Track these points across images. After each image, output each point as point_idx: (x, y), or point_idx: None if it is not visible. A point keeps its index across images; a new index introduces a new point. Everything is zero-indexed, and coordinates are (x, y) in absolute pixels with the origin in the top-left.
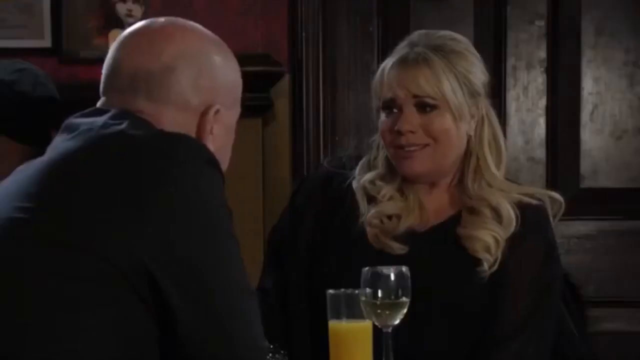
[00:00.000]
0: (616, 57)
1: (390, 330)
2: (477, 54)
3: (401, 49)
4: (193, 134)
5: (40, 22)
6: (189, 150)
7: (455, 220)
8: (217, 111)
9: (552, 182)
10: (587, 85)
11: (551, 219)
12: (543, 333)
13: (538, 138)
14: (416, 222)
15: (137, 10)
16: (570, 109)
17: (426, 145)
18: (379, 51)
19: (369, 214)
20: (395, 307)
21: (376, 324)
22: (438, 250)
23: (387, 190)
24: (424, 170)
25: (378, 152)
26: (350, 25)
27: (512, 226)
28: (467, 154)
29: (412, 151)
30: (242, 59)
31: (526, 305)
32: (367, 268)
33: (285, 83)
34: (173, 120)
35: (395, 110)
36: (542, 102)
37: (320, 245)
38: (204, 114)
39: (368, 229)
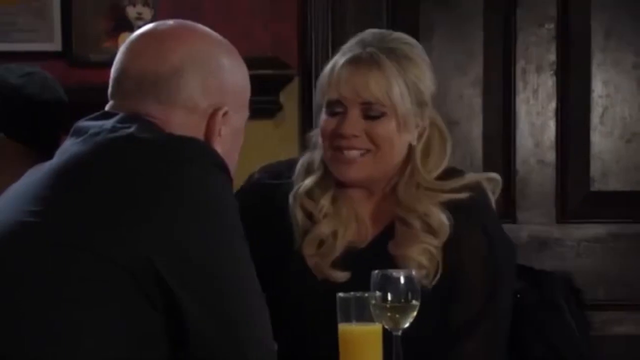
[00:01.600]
0: (626, 59)
1: (400, 333)
2: (429, 61)
3: (352, 47)
4: (201, 136)
5: (50, 25)
6: (197, 153)
7: (389, 233)
8: (225, 113)
9: (562, 185)
10: (597, 87)
11: (491, 200)
12: (498, 325)
13: (548, 141)
14: (354, 237)
15: (147, 13)
16: (580, 112)
17: (367, 151)
18: None
19: (303, 244)
20: (405, 310)
21: (386, 327)
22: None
23: (323, 202)
24: (361, 177)
25: (319, 149)
26: (359, 28)
27: (446, 233)
28: (406, 162)
29: (352, 157)
30: (251, 62)
31: (477, 303)
32: (376, 271)
33: (294, 86)
34: (181, 122)
35: (339, 111)
36: (552, 105)
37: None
38: (212, 116)
39: (307, 257)
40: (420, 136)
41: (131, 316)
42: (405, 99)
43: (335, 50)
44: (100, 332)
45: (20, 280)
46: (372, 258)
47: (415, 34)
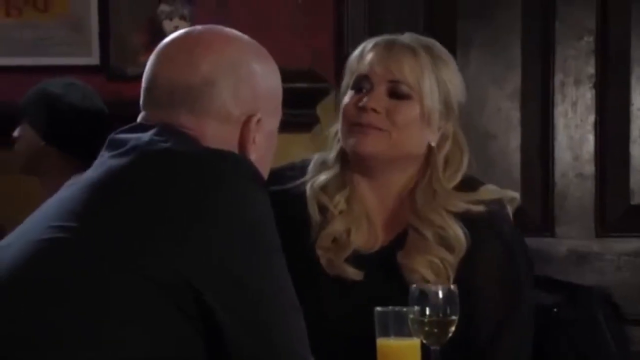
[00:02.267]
0: None
1: (438, 348)
2: (461, 77)
3: (387, 36)
4: (235, 145)
5: (88, 39)
6: (233, 168)
7: (401, 241)
8: (259, 120)
9: (601, 199)
10: (637, 100)
11: (510, 215)
12: (520, 335)
13: (587, 154)
14: (364, 241)
15: (184, 26)
16: (620, 125)
17: (384, 130)
18: None
19: (318, 238)
20: (443, 324)
21: (424, 342)
22: (390, 277)
23: (339, 197)
24: (375, 151)
25: (335, 145)
26: None
27: (463, 248)
28: (424, 167)
29: (369, 129)
30: (288, 75)
31: (497, 317)
32: (414, 286)
33: (331, 99)
34: (215, 132)
35: (365, 88)
36: (591, 118)
37: None
38: (245, 124)
39: (320, 252)
40: (442, 142)
41: (168, 330)
42: (434, 94)
43: None
44: (141, 349)
45: (53, 294)
46: (381, 263)
47: (452, 47)
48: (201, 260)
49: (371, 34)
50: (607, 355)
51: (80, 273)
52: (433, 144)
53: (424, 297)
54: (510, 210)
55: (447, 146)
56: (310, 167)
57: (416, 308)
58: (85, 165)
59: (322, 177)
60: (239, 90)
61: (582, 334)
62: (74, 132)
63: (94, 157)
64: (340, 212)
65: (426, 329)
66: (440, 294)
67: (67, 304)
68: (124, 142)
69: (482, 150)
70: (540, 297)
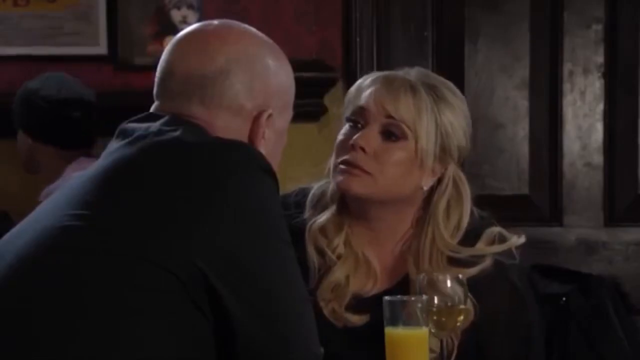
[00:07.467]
0: None
1: (446, 337)
2: (469, 120)
3: (392, 71)
4: (245, 138)
5: (96, 29)
6: (244, 158)
7: (402, 288)
8: (270, 115)
9: (609, 188)
10: None
11: (516, 262)
12: None
13: (595, 144)
14: (362, 285)
15: (192, 16)
16: (628, 114)
17: (370, 174)
18: (434, 57)
19: (319, 289)
20: (451, 313)
21: (432, 331)
22: None
23: (337, 241)
24: (359, 193)
25: (332, 181)
26: (404, 31)
27: (470, 318)
28: (425, 215)
29: (354, 170)
30: (296, 65)
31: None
32: (422, 274)
33: (339, 89)
34: (226, 125)
35: (359, 124)
36: (600, 107)
37: None
38: (256, 119)
39: (322, 304)
40: (440, 187)
41: (182, 324)
42: (430, 136)
43: (379, 54)
44: (154, 340)
45: (69, 286)
46: (381, 309)
47: (460, 37)
48: (211, 251)
49: (379, 24)
50: (616, 344)
51: (95, 264)
52: (425, 187)
53: (432, 286)
54: (517, 253)
55: (447, 192)
56: (309, 202)
57: (424, 297)
58: (82, 153)
59: (321, 219)
60: (253, 84)
61: (591, 324)
62: (52, 124)
63: (86, 145)
64: (339, 257)
65: (434, 318)
66: (449, 283)
67: (82, 297)
68: (133, 132)
69: (490, 139)
70: (549, 286)
